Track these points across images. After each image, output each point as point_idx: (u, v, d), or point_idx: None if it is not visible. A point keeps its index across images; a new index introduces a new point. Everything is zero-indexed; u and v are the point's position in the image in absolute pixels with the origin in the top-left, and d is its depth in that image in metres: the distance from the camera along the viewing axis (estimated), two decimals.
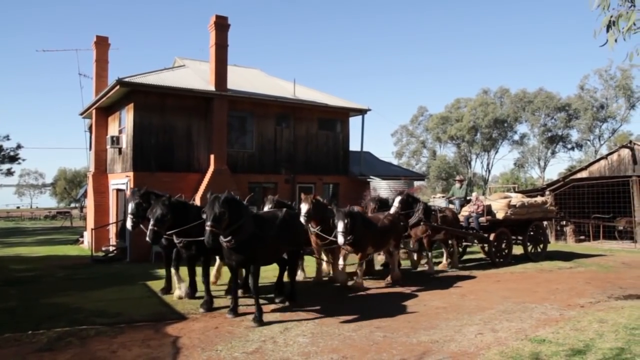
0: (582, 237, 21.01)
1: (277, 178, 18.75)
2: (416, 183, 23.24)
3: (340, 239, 9.04)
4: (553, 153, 47.69)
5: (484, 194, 40.34)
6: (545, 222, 16.81)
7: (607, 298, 9.11)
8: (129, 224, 8.72)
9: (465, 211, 14.20)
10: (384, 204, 11.59)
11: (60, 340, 6.26)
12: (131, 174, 15.94)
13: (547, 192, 21.19)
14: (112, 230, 17.93)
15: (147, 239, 7.74)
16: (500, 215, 13.58)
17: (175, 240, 8.19)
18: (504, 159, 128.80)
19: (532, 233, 14.51)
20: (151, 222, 7.68)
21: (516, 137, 48.82)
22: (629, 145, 19.77)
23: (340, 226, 9.10)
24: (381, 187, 19.25)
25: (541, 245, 14.87)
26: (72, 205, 69.42)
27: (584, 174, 20.92)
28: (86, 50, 23.32)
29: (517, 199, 14.36)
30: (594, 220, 21.17)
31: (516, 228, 14.28)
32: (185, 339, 6.37)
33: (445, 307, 8.28)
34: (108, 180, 18.99)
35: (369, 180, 20.06)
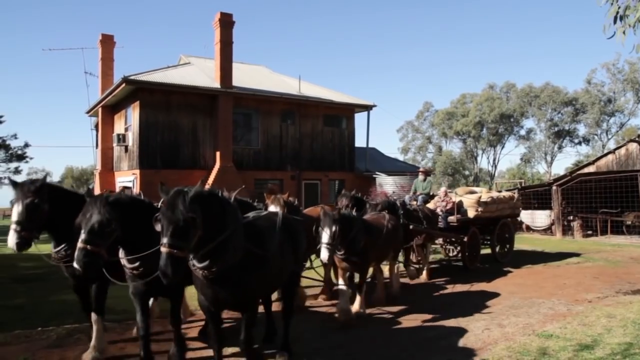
0: (590, 232, 20.88)
1: (283, 175, 18.79)
2: None
3: (324, 254, 6.39)
4: (560, 148, 47.42)
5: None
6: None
7: (615, 293, 9.06)
8: (11, 241, 4.90)
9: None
10: (359, 203, 9.28)
11: (69, 337, 6.31)
12: (137, 171, 16.03)
13: (554, 187, 21.09)
14: None
15: (76, 264, 4.30)
16: (471, 213, 11.94)
17: (127, 267, 4.84)
18: (510, 154, 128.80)
19: (499, 232, 12.97)
20: (82, 236, 4.33)
21: (523, 132, 48.61)
22: (637, 139, 19.61)
23: (324, 236, 6.39)
24: (387, 183, 19.24)
25: (507, 246, 13.49)
26: None
27: (591, 169, 20.78)
28: (92, 49, 23.45)
29: (486, 194, 12.76)
30: (601, 215, 21.03)
31: (484, 227, 12.67)
32: (193, 335, 6.40)
33: (452, 303, 8.27)
34: (115, 178, 19.10)
35: (374, 176, 20.05)
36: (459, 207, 11.89)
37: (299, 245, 5.72)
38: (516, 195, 13.99)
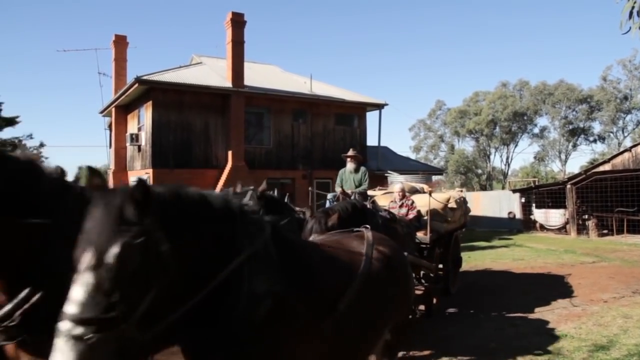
0: (605, 232, 20.59)
1: (294, 174, 18.81)
2: (434, 178, 23.06)
3: None
4: (574, 146, 46.77)
5: (503, 188, 39.70)
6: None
7: (631, 293, 8.92)
8: None
9: None
10: (272, 205, 5.11)
11: None
12: (150, 170, 16.17)
13: (568, 186, 20.84)
14: None
15: None
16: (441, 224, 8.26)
17: None
18: (523, 152, 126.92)
19: (453, 249, 9.07)
20: None
21: (536, 130, 47.99)
22: None
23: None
24: (399, 182, 19.14)
25: (455, 268, 9.41)
26: None
27: (606, 167, 20.50)
28: (105, 49, 23.68)
29: (454, 195, 9.16)
30: (617, 214, 20.73)
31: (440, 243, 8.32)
32: None
33: (464, 303, 8.21)
34: (128, 177, 19.28)
35: (386, 175, 19.97)
36: (419, 217, 7.56)
37: None
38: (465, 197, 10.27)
